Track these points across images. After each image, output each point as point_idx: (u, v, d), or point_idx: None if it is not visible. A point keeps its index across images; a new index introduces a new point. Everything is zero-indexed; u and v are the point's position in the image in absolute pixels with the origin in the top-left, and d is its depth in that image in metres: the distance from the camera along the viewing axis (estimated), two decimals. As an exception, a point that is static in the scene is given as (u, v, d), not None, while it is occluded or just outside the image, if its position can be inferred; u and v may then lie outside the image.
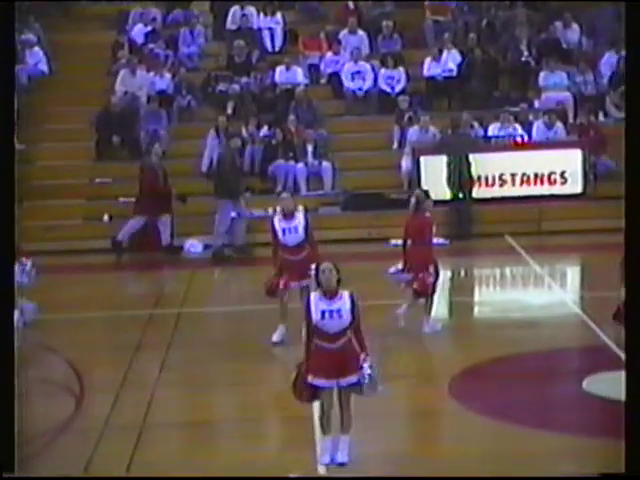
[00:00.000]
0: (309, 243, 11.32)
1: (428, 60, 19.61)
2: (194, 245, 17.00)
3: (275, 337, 11.28)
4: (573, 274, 14.56)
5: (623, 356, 10.09)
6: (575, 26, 20.24)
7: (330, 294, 7.93)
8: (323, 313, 7.88)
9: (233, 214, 16.50)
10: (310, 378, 7.98)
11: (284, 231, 11.24)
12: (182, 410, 9.94)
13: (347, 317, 7.92)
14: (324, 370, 7.93)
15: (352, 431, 8.16)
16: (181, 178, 17.65)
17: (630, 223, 7.51)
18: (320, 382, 7.98)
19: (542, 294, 13.04)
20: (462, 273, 15.79)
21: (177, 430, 9.37)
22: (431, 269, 11.40)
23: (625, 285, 7.62)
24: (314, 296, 8.00)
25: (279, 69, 19.59)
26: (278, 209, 11.57)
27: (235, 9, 21.11)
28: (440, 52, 19.59)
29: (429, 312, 11.60)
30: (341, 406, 8.05)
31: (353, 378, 7.95)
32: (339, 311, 7.89)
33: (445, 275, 15.70)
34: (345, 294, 7.98)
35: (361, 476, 8.11)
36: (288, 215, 11.27)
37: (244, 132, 18.34)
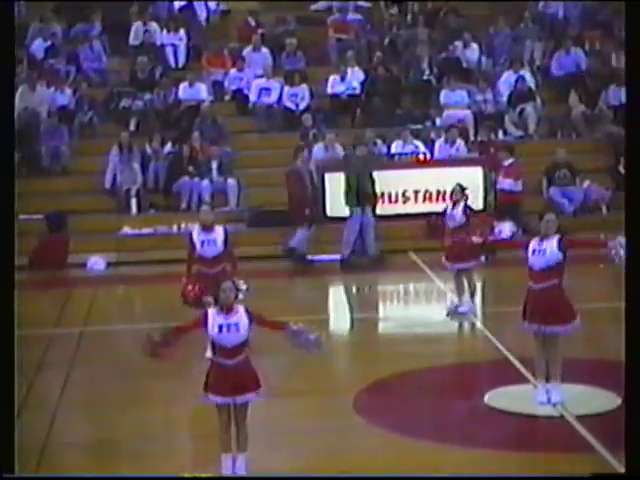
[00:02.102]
0: (228, 258, 11.36)
1: (332, 78, 19.77)
2: (97, 262, 16.82)
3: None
4: (476, 290, 14.76)
5: (524, 370, 10.31)
6: (474, 46, 20.63)
7: (227, 309, 7.98)
8: (220, 327, 7.92)
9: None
10: (209, 396, 8.01)
11: (203, 243, 11.31)
12: (85, 430, 9.81)
13: (244, 331, 7.96)
14: (220, 387, 7.95)
15: (256, 448, 8.15)
16: (82, 195, 17.41)
17: (630, 222, 7.60)
18: (217, 399, 8.00)
19: (445, 310, 13.21)
20: (366, 289, 15.92)
21: (80, 450, 9.24)
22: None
23: (625, 288, 7.72)
24: (211, 312, 8.03)
25: (182, 85, 19.54)
26: (198, 221, 11.64)
27: (137, 25, 21.00)
28: (344, 70, 19.77)
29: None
30: (237, 424, 8.05)
31: (250, 396, 7.99)
32: (236, 325, 7.94)
33: (348, 291, 15.87)
34: (241, 308, 8.04)
35: (359, 476, 8.17)
36: (207, 227, 11.36)
37: (148, 148, 18.24)
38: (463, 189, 13.05)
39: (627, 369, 7.30)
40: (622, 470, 8.07)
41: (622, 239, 9.72)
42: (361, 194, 16.53)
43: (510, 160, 17.04)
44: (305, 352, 8.08)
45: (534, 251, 9.44)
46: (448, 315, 12.98)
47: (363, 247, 16.62)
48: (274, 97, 19.64)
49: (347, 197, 16.64)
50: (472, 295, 13.12)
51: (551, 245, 9.41)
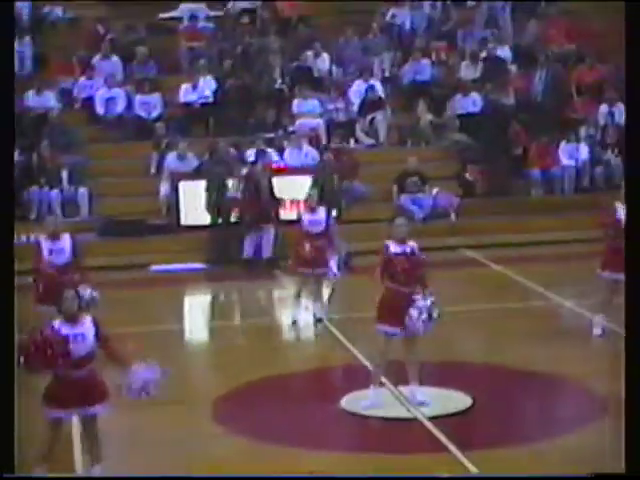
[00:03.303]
0: (76, 267, 11.25)
1: (184, 86, 19.70)
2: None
3: None
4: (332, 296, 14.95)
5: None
6: (325, 55, 20.87)
7: (71, 319, 7.87)
8: (67, 337, 7.80)
9: None
10: (50, 410, 7.86)
11: (51, 251, 11.29)
12: None
13: (91, 342, 7.86)
14: (65, 399, 7.80)
15: (113, 459, 8.07)
16: None
17: (630, 223, 7.69)
18: (59, 413, 7.85)
19: (301, 315, 13.34)
20: (222, 297, 15.92)
21: None
22: None
23: (625, 283, 7.86)
24: (57, 322, 7.90)
25: (30, 93, 19.16)
26: (44, 231, 11.61)
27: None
28: (196, 78, 19.73)
29: None
30: (87, 436, 7.95)
31: (98, 408, 7.90)
32: (83, 335, 7.84)
33: (205, 300, 15.84)
34: (88, 319, 7.95)
35: (363, 476, 8.20)
36: (54, 236, 11.35)
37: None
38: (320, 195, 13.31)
39: (627, 369, 7.45)
40: (474, 470, 8.36)
41: None
42: (221, 202, 16.66)
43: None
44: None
45: (397, 254, 9.68)
46: (294, 323, 13.11)
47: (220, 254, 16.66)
48: (121, 106, 19.45)
49: (208, 205, 16.70)
50: (328, 301, 13.29)
51: (412, 248, 9.73)
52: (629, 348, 7.51)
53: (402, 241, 9.76)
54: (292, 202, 17.30)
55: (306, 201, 13.40)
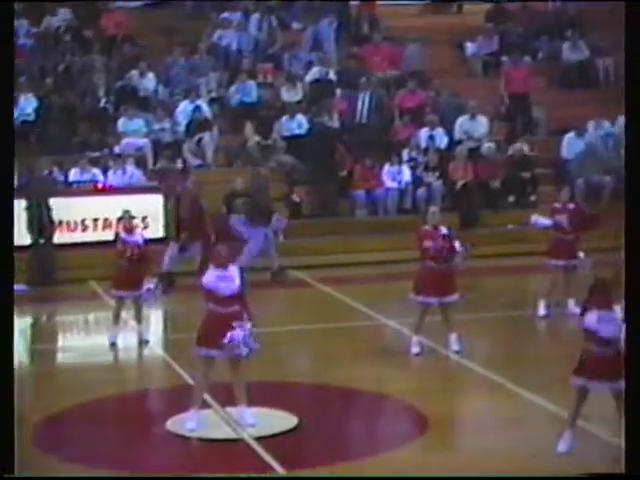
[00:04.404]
0: None
1: (3, 104, 19.16)
2: None
3: None
4: (157, 317, 14.82)
5: (206, 396, 10.43)
6: (151, 75, 20.73)
7: None
8: None
9: None
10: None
11: None
12: None
13: None
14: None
15: None
16: None
17: (630, 224, 7.66)
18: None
19: (126, 337, 13.16)
20: (44, 320, 15.54)
21: None
22: None
23: (625, 284, 7.83)
24: None
25: None
26: None
27: None
28: (16, 96, 19.22)
29: None
30: None
31: None
32: None
33: (26, 322, 15.42)
34: None
35: (361, 476, 8.12)
36: None
37: None
38: (132, 217, 13.12)
39: (627, 369, 7.48)
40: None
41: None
42: (43, 222, 16.28)
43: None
44: None
45: (218, 278, 9.67)
46: (113, 345, 12.93)
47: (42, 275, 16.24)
48: None
49: (29, 225, 16.31)
50: (139, 321, 13.11)
51: (233, 273, 9.71)
52: (629, 348, 7.61)
53: (224, 266, 9.80)
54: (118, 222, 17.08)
55: (120, 220, 13.26)
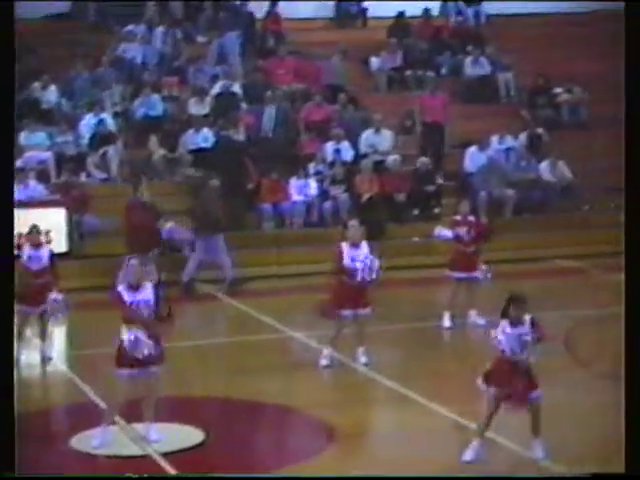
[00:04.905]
0: None
1: None
2: None
3: None
4: (60, 333, 14.57)
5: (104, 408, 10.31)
6: (53, 87, 20.44)
7: None
8: None
9: None
10: None
11: None
12: None
13: None
14: None
15: None
16: None
17: (630, 225, 7.58)
18: None
19: (30, 354, 12.92)
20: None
21: None
22: None
23: (625, 290, 7.76)
24: None
25: None
26: None
27: None
28: None
29: None
30: None
31: None
32: None
33: None
34: None
35: (360, 476, 8.15)
36: None
37: None
38: (39, 231, 12.96)
39: (627, 370, 7.46)
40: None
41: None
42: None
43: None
44: None
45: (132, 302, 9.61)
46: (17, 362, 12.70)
47: None
48: None
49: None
50: (43, 339, 12.90)
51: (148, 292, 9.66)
52: (629, 348, 7.62)
53: (137, 282, 9.71)
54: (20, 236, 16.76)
55: (28, 235, 13.03)
